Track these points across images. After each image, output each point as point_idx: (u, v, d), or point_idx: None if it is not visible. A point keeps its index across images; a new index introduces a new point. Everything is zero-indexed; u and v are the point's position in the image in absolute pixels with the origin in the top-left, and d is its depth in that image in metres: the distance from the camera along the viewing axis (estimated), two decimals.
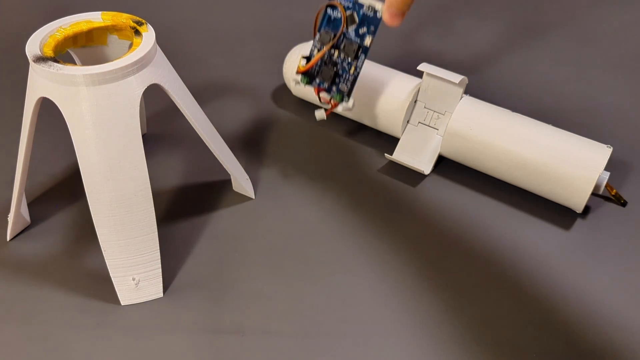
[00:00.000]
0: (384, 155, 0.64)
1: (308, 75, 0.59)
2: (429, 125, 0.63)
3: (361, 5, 0.56)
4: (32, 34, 0.48)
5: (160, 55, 0.49)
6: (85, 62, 0.54)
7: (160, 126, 0.68)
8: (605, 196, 0.61)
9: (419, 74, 0.64)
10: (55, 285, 0.51)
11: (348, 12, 0.56)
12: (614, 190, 0.60)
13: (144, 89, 0.47)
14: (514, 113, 0.61)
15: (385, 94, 0.64)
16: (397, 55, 0.80)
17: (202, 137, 0.53)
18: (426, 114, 0.63)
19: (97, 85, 0.44)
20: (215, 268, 0.53)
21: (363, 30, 0.56)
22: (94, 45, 0.53)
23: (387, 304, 0.51)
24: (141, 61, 0.46)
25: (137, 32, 0.49)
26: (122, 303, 0.50)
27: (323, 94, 0.58)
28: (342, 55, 0.57)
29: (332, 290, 0.52)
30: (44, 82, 0.45)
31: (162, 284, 0.51)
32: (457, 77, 0.61)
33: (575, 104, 0.73)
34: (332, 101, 0.58)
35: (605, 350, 0.48)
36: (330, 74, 0.57)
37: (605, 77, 0.78)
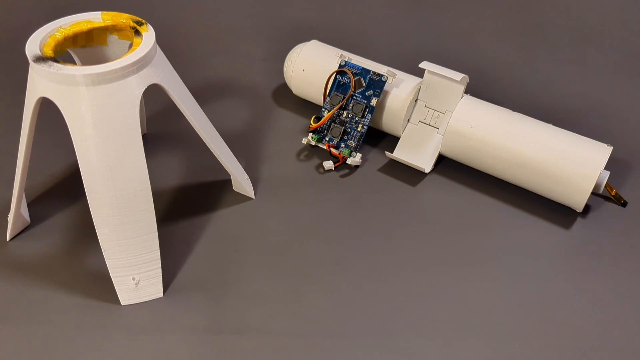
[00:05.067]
0: (384, 153, 0.64)
1: (317, 133, 0.65)
2: (429, 124, 0.63)
3: (368, 71, 0.63)
4: (32, 34, 0.48)
5: (160, 55, 0.49)
6: (85, 62, 0.54)
7: (160, 126, 0.68)
8: (606, 196, 0.61)
9: (420, 73, 0.64)
10: (55, 285, 0.51)
11: (356, 78, 0.64)
12: (614, 191, 0.60)
13: (144, 89, 0.47)
14: (515, 112, 0.61)
15: (386, 93, 0.64)
16: (398, 54, 0.80)
17: (202, 137, 0.53)
18: (427, 113, 0.63)
19: (97, 85, 0.44)
20: (215, 268, 0.53)
21: (369, 92, 0.63)
22: (94, 45, 0.53)
23: (387, 304, 0.51)
24: (141, 61, 0.46)
25: (137, 32, 0.49)
26: (122, 303, 0.50)
27: (333, 149, 0.65)
28: (350, 115, 0.64)
29: (331, 290, 0.52)
30: (44, 82, 0.45)
31: (162, 284, 0.51)
32: (458, 75, 0.61)
33: (575, 104, 0.73)
34: (340, 155, 0.64)
35: (605, 349, 0.48)
36: (339, 132, 0.64)
37: (605, 77, 0.78)
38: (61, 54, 0.50)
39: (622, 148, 0.65)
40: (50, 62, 0.45)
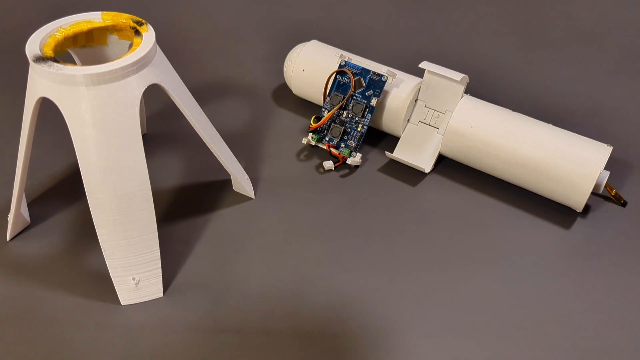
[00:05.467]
0: (384, 153, 0.64)
1: (317, 133, 0.65)
2: (429, 125, 0.63)
3: (368, 71, 0.63)
4: (32, 34, 0.48)
5: (160, 55, 0.49)
6: (85, 62, 0.54)
7: (160, 126, 0.68)
8: (606, 196, 0.61)
9: (420, 73, 0.64)
10: (55, 285, 0.51)
11: (356, 78, 0.64)
12: (614, 191, 0.60)
13: (144, 89, 0.47)
14: (515, 112, 0.61)
15: (386, 93, 0.64)
16: (398, 54, 0.80)
17: (202, 137, 0.53)
18: (427, 113, 0.63)
19: (97, 85, 0.44)
20: (215, 268, 0.53)
21: (369, 92, 0.63)
22: (94, 45, 0.53)
23: (387, 304, 0.51)
24: (141, 61, 0.46)
25: (137, 32, 0.49)
26: (122, 303, 0.50)
27: (333, 149, 0.65)
28: (350, 115, 0.64)
29: (331, 290, 0.52)
30: (44, 82, 0.45)
31: (162, 284, 0.51)
32: (458, 75, 0.61)
33: (575, 104, 0.73)
34: (340, 155, 0.64)
35: (604, 349, 0.48)
36: (339, 132, 0.64)
37: (605, 77, 0.78)
38: (61, 54, 0.50)
39: (622, 148, 0.65)
40: (50, 62, 0.45)
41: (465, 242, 0.56)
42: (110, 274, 0.49)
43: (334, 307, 0.50)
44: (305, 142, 0.66)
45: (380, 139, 0.68)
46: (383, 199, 0.60)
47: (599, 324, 0.49)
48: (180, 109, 0.51)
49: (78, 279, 0.52)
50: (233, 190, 0.61)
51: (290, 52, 0.70)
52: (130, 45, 0.48)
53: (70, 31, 0.50)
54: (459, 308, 0.51)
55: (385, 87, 0.63)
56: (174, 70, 0.51)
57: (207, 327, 0.49)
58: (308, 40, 0.71)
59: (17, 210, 0.54)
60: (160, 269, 0.50)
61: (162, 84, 0.49)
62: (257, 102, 0.73)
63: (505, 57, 0.82)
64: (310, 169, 0.64)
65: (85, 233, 0.55)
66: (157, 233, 0.49)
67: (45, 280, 0.52)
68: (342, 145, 0.65)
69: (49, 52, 0.47)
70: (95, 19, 0.51)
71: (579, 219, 0.58)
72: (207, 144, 0.54)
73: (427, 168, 0.63)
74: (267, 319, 0.49)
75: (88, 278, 0.52)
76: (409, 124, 0.64)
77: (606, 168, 0.58)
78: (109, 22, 0.51)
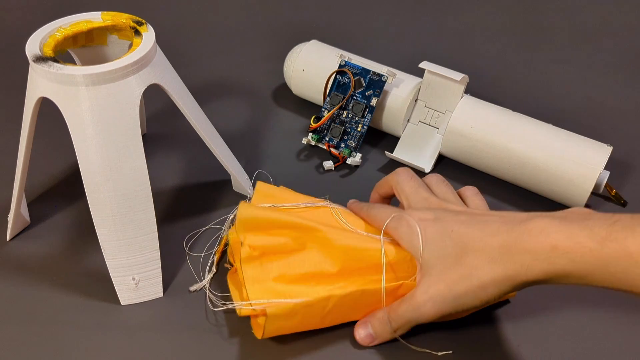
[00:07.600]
0: (384, 153, 0.64)
1: (317, 133, 0.65)
2: (429, 124, 0.63)
3: (368, 71, 0.63)
4: (32, 34, 0.48)
5: (160, 55, 0.49)
6: (85, 62, 0.54)
7: (160, 126, 0.68)
8: (605, 196, 0.60)
9: (420, 73, 0.64)
10: (55, 285, 0.51)
11: (356, 77, 0.63)
12: (614, 191, 0.60)
13: (144, 89, 0.47)
14: (515, 112, 0.61)
15: (386, 92, 0.64)
16: (398, 54, 0.80)
17: (202, 137, 0.54)
18: (427, 113, 0.63)
19: (97, 85, 0.44)
20: (215, 268, 0.53)
21: (369, 92, 0.63)
22: (94, 45, 0.53)
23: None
24: (141, 61, 0.46)
25: (137, 32, 0.49)
26: (122, 303, 0.50)
27: (333, 149, 0.64)
28: (350, 115, 0.64)
29: None
30: (44, 82, 0.45)
31: (162, 284, 0.51)
32: (458, 75, 0.61)
33: (575, 104, 0.73)
34: (340, 155, 0.64)
35: (605, 349, 0.48)
36: (339, 132, 0.64)
37: (606, 77, 0.78)
38: (61, 54, 0.50)
39: (622, 148, 0.65)
40: (50, 62, 0.45)
41: None
42: (110, 274, 0.49)
43: None
44: (305, 142, 0.66)
45: (380, 139, 0.67)
46: None
47: (599, 324, 0.49)
48: (180, 109, 0.51)
49: (78, 279, 0.52)
50: (233, 190, 0.61)
51: (290, 52, 0.70)
52: (130, 45, 0.48)
53: (70, 31, 0.50)
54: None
55: (385, 87, 0.63)
56: (174, 70, 0.51)
57: (207, 327, 0.49)
58: (308, 40, 0.71)
59: (17, 210, 0.54)
60: (160, 269, 0.50)
61: (162, 84, 0.49)
62: (257, 102, 0.73)
63: (505, 57, 0.82)
64: (310, 169, 0.64)
65: (85, 233, 0.55)
66: (157, 233, 0.49)
67: (45, 280, 0.52)
68: (342, 145, 0.64)
69: (49, 52, 0.47)
70: (95, 19, 0.51)
71: None
72: (207, 144, 0.54)
73: (427, 168, 0.63)
74: None
75: (88, 278, 0.52)
76: (409, 123, 0.64)
77: (606, 168, 0.58)
78: (108, 22, 0.51)
